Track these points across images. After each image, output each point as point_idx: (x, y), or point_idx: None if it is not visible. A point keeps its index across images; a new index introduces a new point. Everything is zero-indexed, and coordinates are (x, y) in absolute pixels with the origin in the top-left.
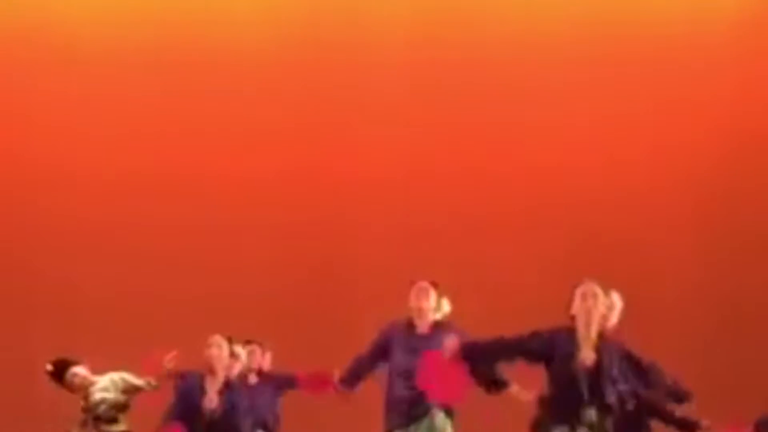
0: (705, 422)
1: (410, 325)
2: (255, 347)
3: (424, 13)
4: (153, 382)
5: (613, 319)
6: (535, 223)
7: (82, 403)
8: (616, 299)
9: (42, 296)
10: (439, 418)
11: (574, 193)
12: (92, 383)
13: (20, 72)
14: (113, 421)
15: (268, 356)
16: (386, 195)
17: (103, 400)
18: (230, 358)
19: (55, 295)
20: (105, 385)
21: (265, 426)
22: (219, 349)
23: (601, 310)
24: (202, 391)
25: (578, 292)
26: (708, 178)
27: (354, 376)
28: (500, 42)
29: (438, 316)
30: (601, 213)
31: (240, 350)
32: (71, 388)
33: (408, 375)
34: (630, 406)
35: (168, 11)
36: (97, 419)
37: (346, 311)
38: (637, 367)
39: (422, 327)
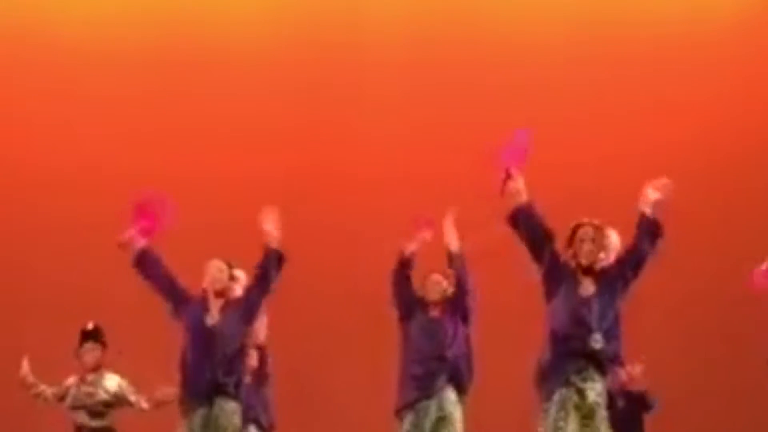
0: None
1: (422, 306)
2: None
3: (426, 12)
4: (143, 404)
5: (611, 256)
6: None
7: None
8: (612, 236)
9: (39, 296)
10: (450, 397)
11: (573, 192)
12: (101, 374)
13: (18, 72)
14: (99, 415)
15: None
16: (387, 194)
17: (103, 400)
18: (230, 281)
19: (53, 296)
20: (112, 387)
21: (258, 423)
22: (220, 273)
23: (596, 252)
24: (205, 308)
25: (577, 235)
26: (707, 178)
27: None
28: (500, 41)
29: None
30: (600, 212)
31: (239, 273)
32: (84, 357)
33: (419, 354)
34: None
35: (168, 11)
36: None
37: (347, 311)
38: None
39: (435, 311)
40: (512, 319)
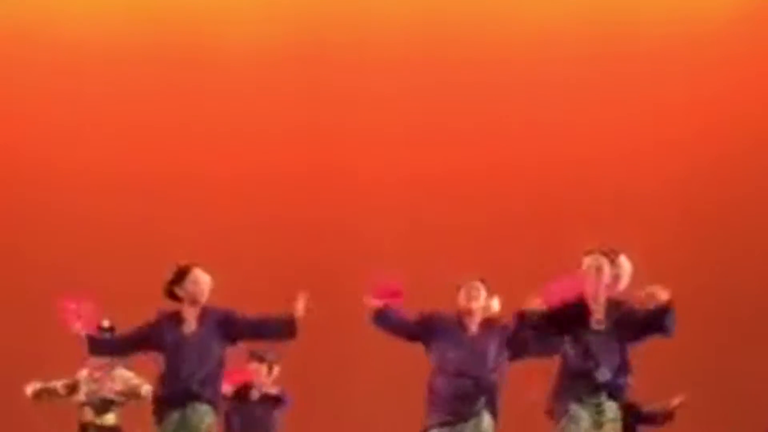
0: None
1: (460, 324)
2: (260, 366)
3: (428, 11)
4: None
5: (623, 284)
6: (538, 221)
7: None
8: (624, 264)
9: (42, 292)
10: (486, 420)
11: (573, 190)
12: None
13: (20, 69)
14: (105, 412)
15: (275, 371)
16: (389, 194)
17: (109, 397)
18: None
19: (55, 291)
20: (120, 383)
21: None
22: (205, 285)
23: (605, 281)
24: (179, 319)
25: (585, 263)
26: (706, 176)
27: (393, 316)
28: (502, 40)
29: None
30: (605, 209)
31: (207, 280)
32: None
33: (458, 373)
34: None
35: (169, 9)
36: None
37: (348, 311)
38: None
39: (472, 327)
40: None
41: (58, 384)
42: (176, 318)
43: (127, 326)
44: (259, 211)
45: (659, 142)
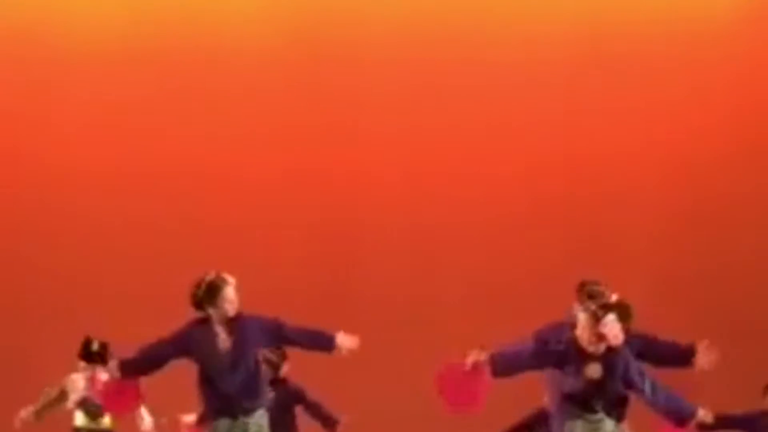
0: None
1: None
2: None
3: (430, 12)
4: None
5: (616, 331)
6: (538, 220)
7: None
8: (613, 323)
9: (45, 293)
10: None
11: (576, 189)
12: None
13: (23, 71)
14: (98, 416)
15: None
16: (392, 194)
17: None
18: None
19: (59, 293)
20: None
21: None
22: (236, 299)
23: (602, 339)
24: (213, 334)
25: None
26: (707, 175)
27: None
28: (504, 40)
29: None
30: (604, 209)
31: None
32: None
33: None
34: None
35: (174, 10)
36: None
37: (352, 311)
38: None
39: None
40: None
41: (52, 392)
42: (208, 330)
43: (130, 323)
44: (264, 211)
45: (658, 141)
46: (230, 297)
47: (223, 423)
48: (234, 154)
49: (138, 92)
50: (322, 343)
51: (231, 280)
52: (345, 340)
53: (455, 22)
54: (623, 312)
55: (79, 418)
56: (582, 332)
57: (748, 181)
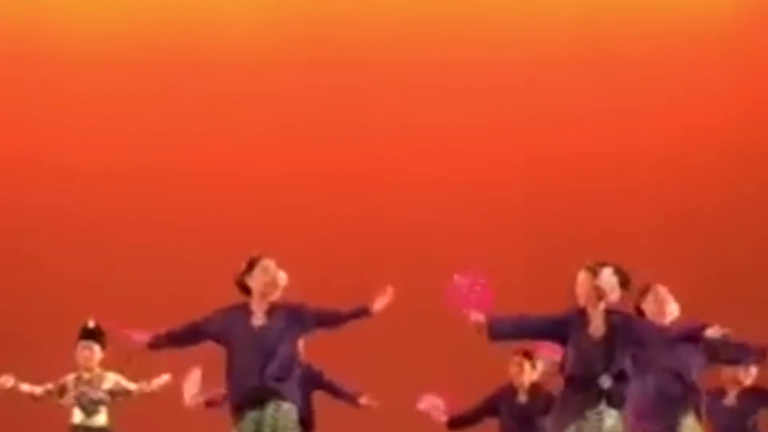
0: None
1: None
2: None
3: (432, 11)
4: (146, 387)
5: (615, 294)
6: (539, 217)
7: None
8: (609, 277)
9: (43, 292)
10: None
11: (577, 187)
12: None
13: (24, 69)
14: (95, 413)
15: None
16: (398, 192)
17: (99, 398)
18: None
19: (58, 292)
20: (109, 385)
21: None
22: (276, 277)
23: (601, 294)
24: (248, 311)
25: (577, 280)
26: (708, 174)
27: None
28: (505, 39)
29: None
30: (604, 206)
31: (282, 275)
32: (79, 354)
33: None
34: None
35: (177, 8)
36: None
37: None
38: (640, 333)
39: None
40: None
41: (38, 391)
42: (244, 310)
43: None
44: (268, 211)
45: (659, 140)
46: (268, 268)
47: (250, 416)
48: (236, 153)
49: (138, 91)
50: (358, 312)
51: (273, 264)
52: (379, 302)
53: (458, 22)
54: (621, 277)
55: (77, 416)
56: (581, 290)
57: (750, 181)
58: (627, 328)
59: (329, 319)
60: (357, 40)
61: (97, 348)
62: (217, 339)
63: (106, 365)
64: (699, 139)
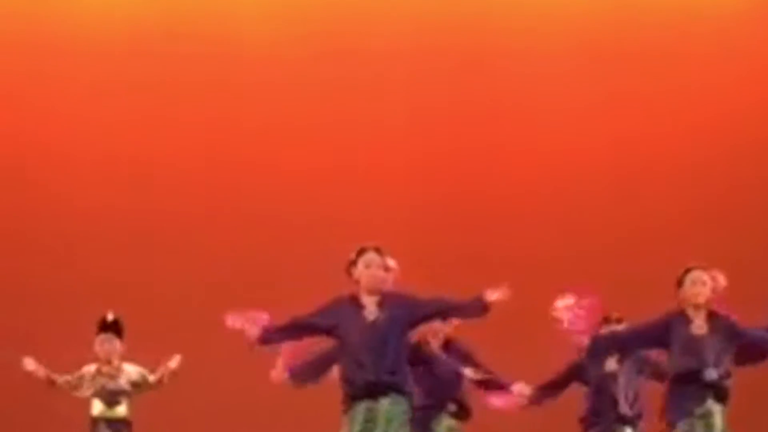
0: None
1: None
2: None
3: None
4: (165, 378)
5: (713, 285)
6: (558, 207)
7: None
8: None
9: (54, 286)
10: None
11: (591, 181)
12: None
13: (37, 59)
14: (116, 404)
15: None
16: (407, 186)
17: (120, 389)
18: (385, 272)
19: (68, 285)
20: (131, 377)
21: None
22: (383, 271)
23: (707, 294)
24: (359, 305)
25: (688, 278)
26: (720, 168)
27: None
28: (516, 29)
29: None
30: (620, 195)
31: (391, 262)
32: (99, 347)
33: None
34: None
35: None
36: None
37: None
38: (737, 332)
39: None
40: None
41: (61, 380)
42: (355, 303)
43: (142, 315)
44: (279, 204)
45: (678, 130)
46: (369, 262)
47: (363, 404)
48: (249, 150)
49: (154, 83)
50: (473, 308)
51: (377, 257)
52: (495, 296)
53: (473, 12)
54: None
55: (97, 407)
56: (693, 290)
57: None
58: (728, 327)
59: (444, 312)
60: (371, 31)
61: (117, 340)
62: (329, 333)
63: (126, 358)
64: (719, 129)
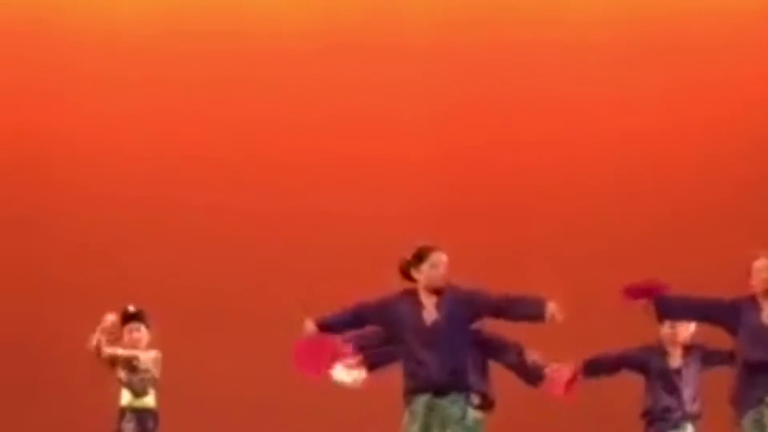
0: None
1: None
2: None
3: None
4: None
5: None
6: (578, 197)
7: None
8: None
9: (67, 279)
10: None
11: (612, 172)
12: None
13: (64, 55)
14: (144, 394)
15: None
16: (420, 179)
17: (149, 378)
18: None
19: (81, 279)
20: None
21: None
22: (444, 273)
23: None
24: (419, 305)
25: (756, 266)
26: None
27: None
28: (530, 24)
29: None
30: (641, 187)
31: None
32: (131, 338)
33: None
34: None
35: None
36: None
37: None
38: None
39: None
40: None
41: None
42: (414, 302)
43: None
44: (294, 197)
45: (700, 121)
46: (437, 263)
47: (423, 401)
48: (271, 143)
49: (174, 79)
50: (532, 310)
51: (444, 258)
52: (556, 310)
53: (500, 4)
54: None
55: (125, 397)
56: (761, 277)
57: None
58: None
59: (501, 312)
60: (397, 27)
61: (144, 329)
62: (386, 328)
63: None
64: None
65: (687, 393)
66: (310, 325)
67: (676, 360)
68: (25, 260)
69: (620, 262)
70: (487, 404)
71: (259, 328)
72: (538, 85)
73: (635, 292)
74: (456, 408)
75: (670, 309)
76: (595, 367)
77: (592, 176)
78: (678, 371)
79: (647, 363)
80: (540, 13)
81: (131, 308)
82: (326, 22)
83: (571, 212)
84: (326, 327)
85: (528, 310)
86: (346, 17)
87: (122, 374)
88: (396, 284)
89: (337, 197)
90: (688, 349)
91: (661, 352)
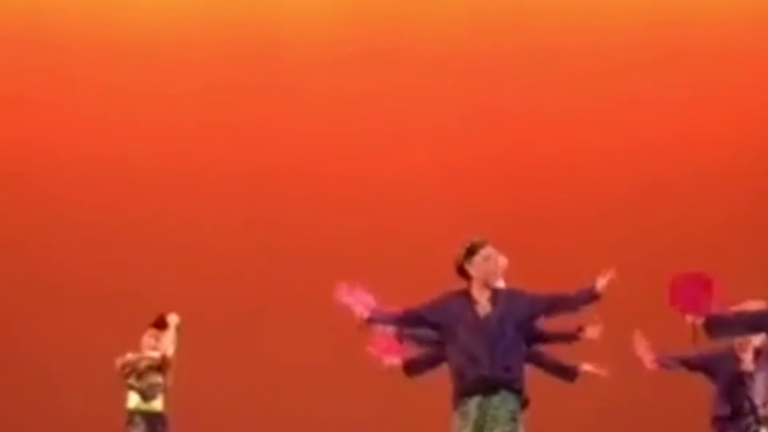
0: None
1: None
2: None
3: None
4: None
5: None
6: (577, 209)
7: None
8: None
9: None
10: None
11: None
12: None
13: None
14: (153, 397)
15: None
16: (435, 187)
17: (158, 383)
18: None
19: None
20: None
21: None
22: (498, 264)
23: None
24: (472, 300)
25: None
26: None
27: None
28: (576, 26)
29: None
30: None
31: (502, 260)
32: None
33: None
34: None
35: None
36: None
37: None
38: None
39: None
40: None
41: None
42: (467, 298)
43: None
44: (305, 205)
45: (715, 128)
46: (489, 256)
47: (475, 402)
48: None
49: (208, 90)
50: (584, 294)
51: (495, 251)
52: (603, 282)
53: (512, 13)
54: None
55: (133, 400)
56: None
57: None
58: None
59: (557, 305)
60: (413, 35)
61: (159, 335)
62: (438, 328)
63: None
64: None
65: (759, 397)
66: (362, 314)
67: (747, 364)
68: (27, 264)
69: (635, 275)
70: (526, 403)
71: (270, 336)
72: (550, 93)
73: (684, 300)
74: (506, 408)
75: (721, 328)
76: (673, 361)
77: (607, 183)
78: (750, 375)
79: (719, 367)
80: (553, 23)
81: (172, 317)
82: (337, 33)
83: (585, 219)
84: (377, 320)
85: (580, 295)
86: (361, 27)
87: (133, 380)
88: (417, 295)
89: (352, 206)
90: (758, 352)
91: (734, 356)
